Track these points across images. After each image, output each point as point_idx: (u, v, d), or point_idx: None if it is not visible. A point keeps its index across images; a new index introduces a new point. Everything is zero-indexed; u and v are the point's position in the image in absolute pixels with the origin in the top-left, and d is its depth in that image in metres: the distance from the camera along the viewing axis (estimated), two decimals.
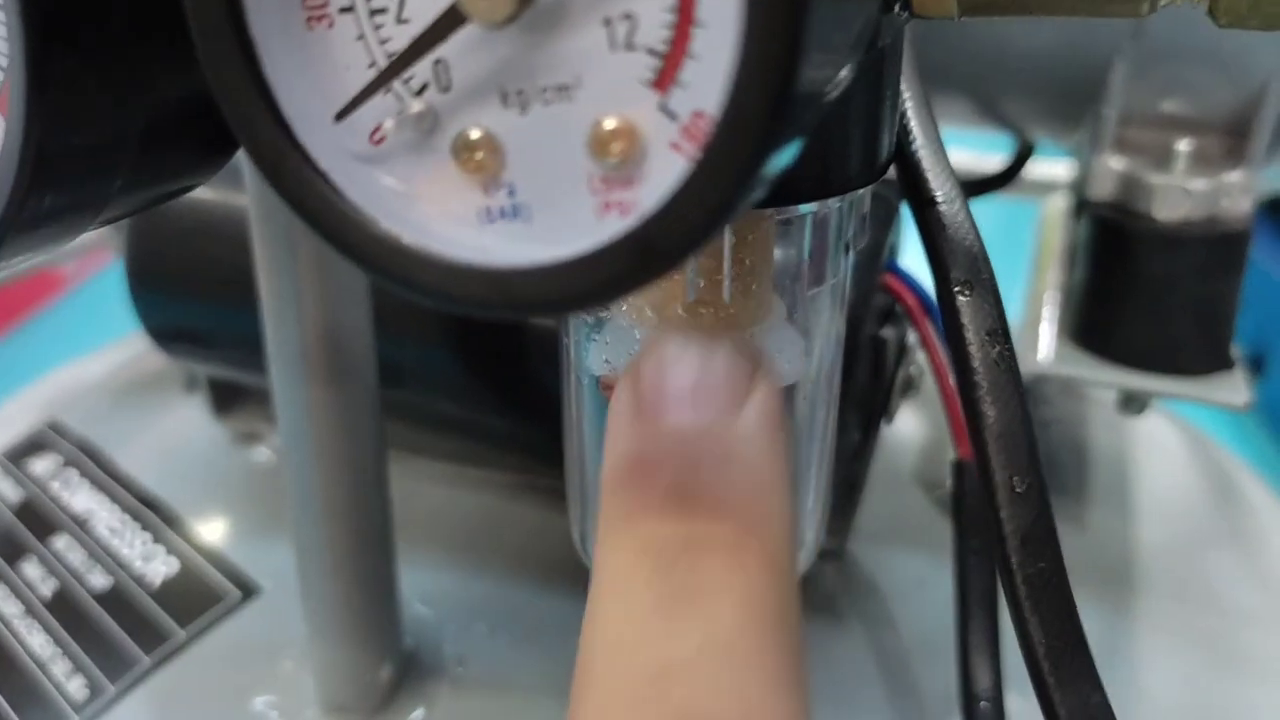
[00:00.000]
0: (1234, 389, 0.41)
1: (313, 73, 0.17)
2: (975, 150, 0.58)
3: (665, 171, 0.16)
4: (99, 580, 0.45)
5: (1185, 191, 0.39)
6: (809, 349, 0.25)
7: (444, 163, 0.17)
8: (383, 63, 0.17)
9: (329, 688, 0.38)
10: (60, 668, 0.42)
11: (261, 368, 0.34)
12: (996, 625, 0.34)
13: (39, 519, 0.49)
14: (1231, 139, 0.40)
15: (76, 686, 0.41)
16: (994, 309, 0.24)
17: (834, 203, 0.23)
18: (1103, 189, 0.41)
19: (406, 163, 0.18)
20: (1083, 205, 0.43)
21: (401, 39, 0.17)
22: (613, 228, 0.16)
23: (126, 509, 0.48)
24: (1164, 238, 0.40)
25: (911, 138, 0.25)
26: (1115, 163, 0.41)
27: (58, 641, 0.43)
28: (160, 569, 0.45)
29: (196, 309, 0.46)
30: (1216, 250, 0.40)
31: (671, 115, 0.16)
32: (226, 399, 0.51)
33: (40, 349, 1.30)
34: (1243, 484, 0.52)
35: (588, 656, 0.18)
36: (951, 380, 0.26)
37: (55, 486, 0.50)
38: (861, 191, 0.23)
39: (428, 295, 0.17)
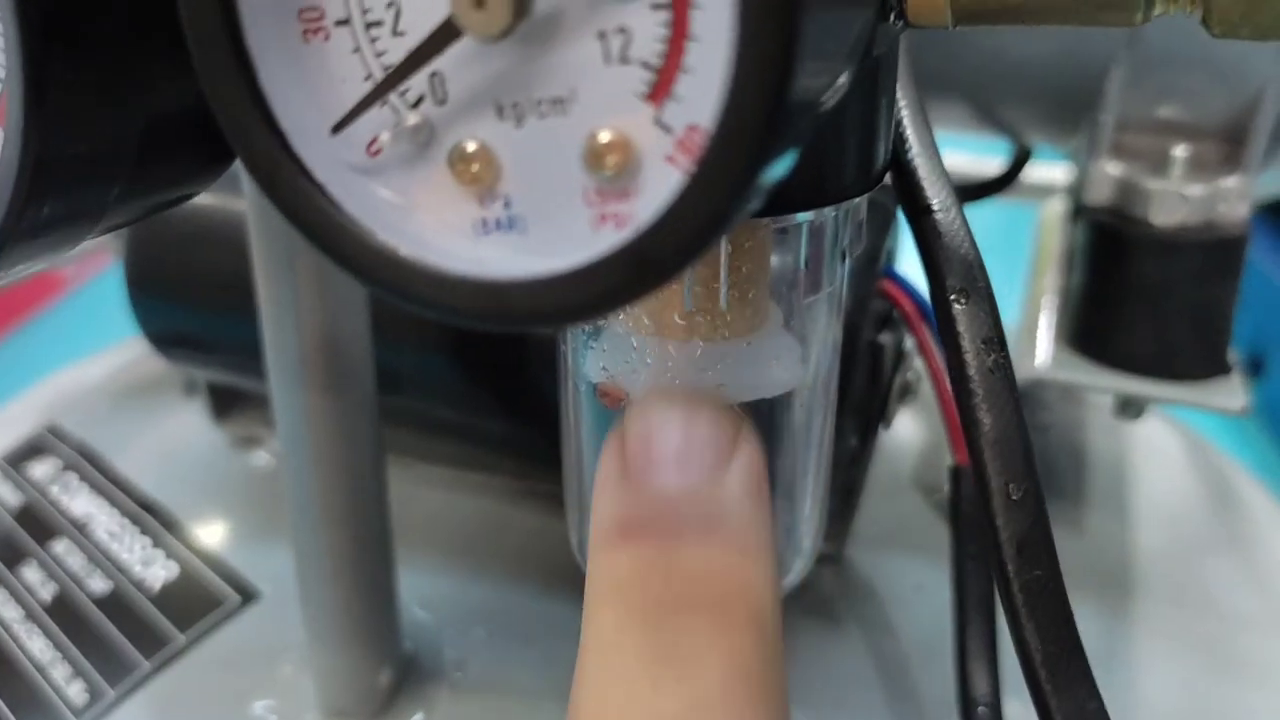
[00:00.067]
0: (1231, 394, 0.41)
1: (309, 85, 0.17)
2: (973, 154, 0.58)
3: (660, 184, 0.16)
4: (98, 585, 0.45)
5: (1182, 197, 0.39)
6: (806, 355, 0.26)
7: (440, 175, 0.17)
8: (379, 75, 0.17)
9: (328, 692, 0.38)
10: (60, 672, 0.42)
11: (260, 373, 0.34)
12: (994, 630, 0.34)
13: (38, 523, 0.49)
14: (1228, 144, 0.40)
15: (76, 691, 0.41)
16: (989, 317, 0.24)
17: (830, 211, 0.23)
18: (1100, 194, 0.41)
19: (403, 175, 0.18)
20: (1080, 210, 0.43)
21: (397, 52, 0.17)
22: (608, 240, 0.16)
23: (126, 513, 0.48)
24: (1161, 243, 0.40)
25: (907, 146, 0.25)
26: (1112, 168, 0.41)
27: (57, 646, 0.43)
28: (160, 573, 0.45)
29: (195, 315, 0.46)
30: (1213, 255, 0.40)
31: (666, 128, 0.16)
32: (225, 403, 0.52)
33: (39, 351, 1.30)
34: (1240, 488, 0.53)
35: (576, 715, 0.19)
36: (948, 386, 0.26)
37: (55, 490, 0.50)
38: (858, 199, 0.23)
39: (424, 307, 0.17)
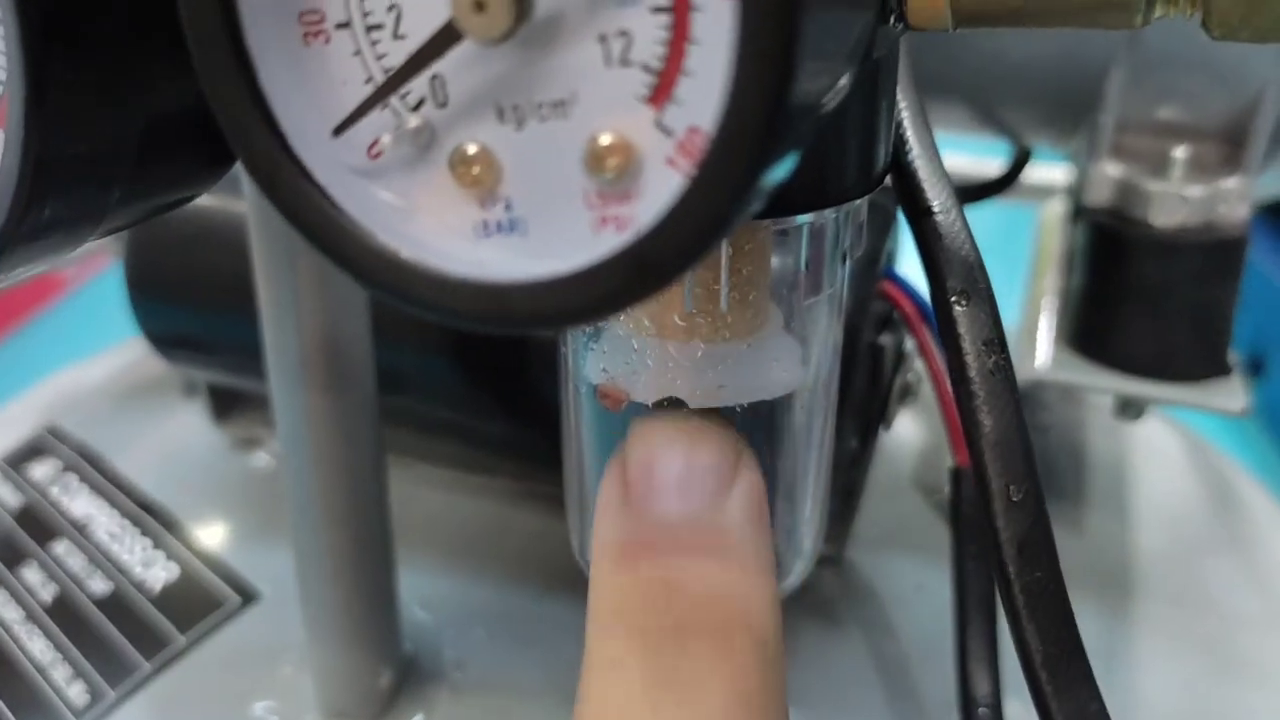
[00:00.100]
0: (1231, 394, 0.41)
1: (310, 88, 0.17)
2: (973, 155, 0.58)
3: (661, 187, 0.16)
4: (99, 586, 0.45)
5: (1182, 198, 0.39)
6: (806, 357, 0.26)
7: (441, 177, 0.17)
8: (380, 78, 0.17)
9: (328, 693, 0.38)
10: (61, 673, 0.42)
11: (261, 374, 0.34)
12: (995, 631, 0.34)
13: (39, 524, 0.49)
14: (1228, 146, 0.40)
15: (77, 692, 0.41)
16: (990, 318, 0.24)
17: (831, 213, 0.23)
18: (1100, 195, 0.41)
19: (404, 177, 0.18)
20: (1080, 211, 0.43)
21: (398, 55, 0.17)
22: (609, 243, 0.16)
23: (126, 514, 0.48)
24: (1161, 244, 0.40)
25: (908, 148, 0.25)
26: (1112, 169, 0.41)
27: (58, 647, 0.43)
28: (160, 574, 0.45)
29: (196, 316, 0.46)
30: (1213, 256, 0.40)
31: (667, 131, 0.16)
32: (226, 404, 0.52)
33: (39, 352, 1.30)
34: (1240, 488, 0.53)
35: None
36: (949, 387, 0.26)
37: (55, 491, 0.50)
38: (858, 201, 0.23)
39: (425, 309, 0.17)
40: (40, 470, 0.52)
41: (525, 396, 0.41)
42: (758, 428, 0.25)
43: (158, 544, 0.47)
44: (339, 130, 0.18)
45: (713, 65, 0.15)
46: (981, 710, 0.33)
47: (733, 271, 0.22)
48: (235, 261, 0.36)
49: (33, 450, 0.53)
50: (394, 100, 0.17)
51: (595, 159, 0.16)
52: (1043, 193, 0.57)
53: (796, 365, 0.25)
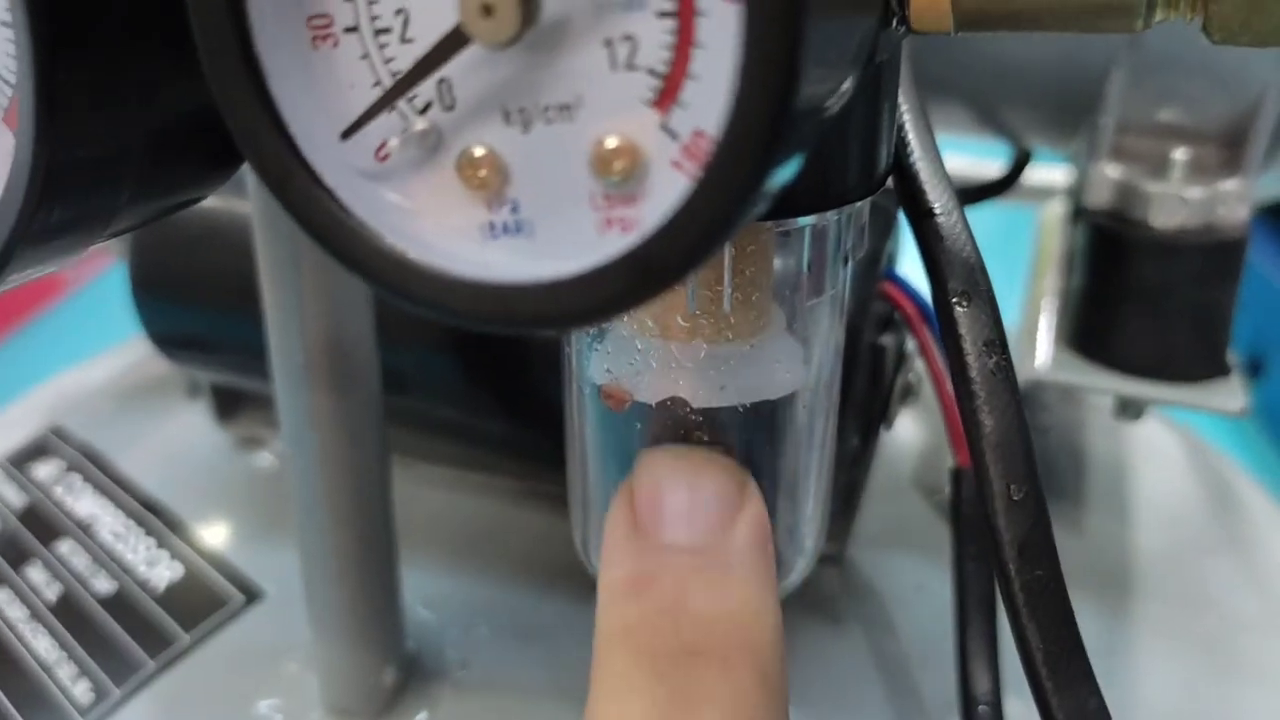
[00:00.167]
0: (1230, 395, 0.41)
1: (318, 91, 0.18)
2: (974, 157, 0.58)
3: (666, 189, 0.16)
4: (103, 585, 0.45)
5: (1182, 200, 0.40)
6: (808, 358, 0.26)
7: (448, 179, 0.18)
8: (388, 82, 0.17)
9: (333, 691, 0.38)
10: (65, 672, 0.42)
11: (265, 374, 0.34)
12: (995, 630, 0.34)
13: (43, 524, 0.49)
14: (1227, 148, 0.40)
15: (82, 690, 0.41)
16: (991, 319, 0.24)
17: (833, 215, 0.23)
18: (1100, 197, 0.41)
19: (411, 179, 0.18)
20: (1080, 213, 0.43)
21: (406, 59, 0.17)
22: (614, 245, 0.16)
23: (130, 514, 0.49)
24: (1161, 245, 0.40)
25: (909, 150, 0.25)
26: (1112, 171, 0.41)
27: (63, 646, 0.43)
28: (164, 573, 0.45)
29: (200, 316, 0.46)
30: (1213, 258, 0.40)
31: (672, 134, 0.16)
32: (229, 404, 0.52)
33: (42, 352, 1.30)
34: (1240, 489, 0.53)
35: None
36: (949, 387, 0.27)
37: (59, 491, 0.51)
38: (860, 203, 0.23)
39: (431, 310, 0.17)
40: (44, 470, 0.52)
41: (528, 396, 0.42)
42: (760, 428, 0.25)
43: (162, 543, 0.47)
44: (347, 133, 0.18)
45: (718, 69, 0.15)
46: (982, 708, 0.33)
47: (736, 273, 0.23)
48: (239, 262, 0.36)
49: (36, 450, 0.53)
50: (401, 103, 0.18)
51: (601, 162, 0.16)
52: (1043, 194, 0.57)
53: (798, 366, 0.25)
